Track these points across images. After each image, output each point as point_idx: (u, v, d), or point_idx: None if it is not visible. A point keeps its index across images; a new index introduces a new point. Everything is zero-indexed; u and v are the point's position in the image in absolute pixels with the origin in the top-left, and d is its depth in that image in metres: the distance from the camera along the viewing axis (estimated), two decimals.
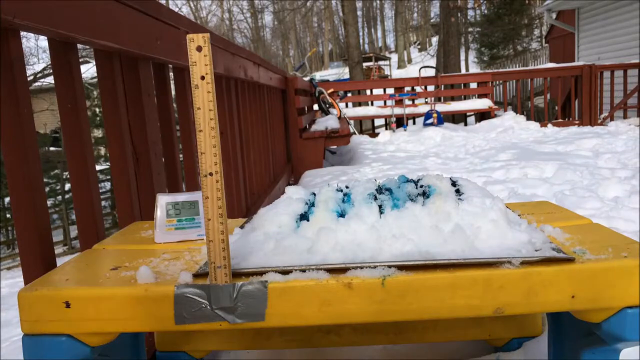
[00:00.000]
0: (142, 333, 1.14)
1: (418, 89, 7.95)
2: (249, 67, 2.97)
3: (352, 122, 7.35)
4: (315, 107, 6.99)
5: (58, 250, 10.49)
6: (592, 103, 7.52)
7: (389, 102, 8.29)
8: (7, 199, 11.98)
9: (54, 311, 0.84)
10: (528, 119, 7.57)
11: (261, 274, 0.87)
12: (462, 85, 8.57)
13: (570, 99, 8.34)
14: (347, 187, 1.11)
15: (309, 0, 27.39)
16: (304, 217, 0.99)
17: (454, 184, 1.09)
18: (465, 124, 8.15)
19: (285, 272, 0.86)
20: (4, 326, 2.43)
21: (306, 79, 6.95)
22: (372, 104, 8.34)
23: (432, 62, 19.82)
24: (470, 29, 25.64)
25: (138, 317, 0.85)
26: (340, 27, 40.13)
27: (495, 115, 7.70)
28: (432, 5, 34.45)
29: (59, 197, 13.15)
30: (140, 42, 1.43)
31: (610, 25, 10.24)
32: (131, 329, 0.86)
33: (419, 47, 43.14)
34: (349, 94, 8.32)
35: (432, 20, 35.40)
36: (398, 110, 7.80)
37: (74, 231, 11.92)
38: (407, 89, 8.01)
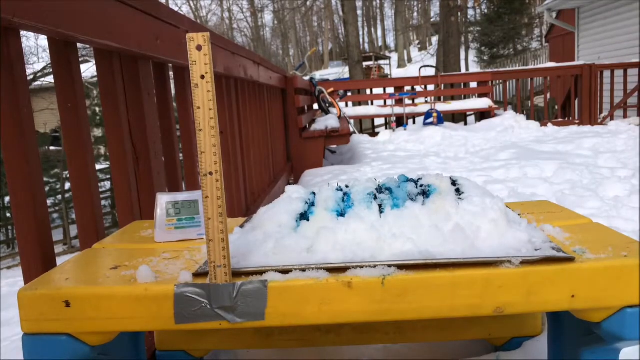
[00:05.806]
0: (142, 332, 1.14)
1: (418, 88, 7.95)
2: (248, 66, 2.96)
3: (352, 121, 7.35)
4: (315, 106, 6.99)
5: (58, 249, 10.49)
6: (592, 102, 7.52)
7: (389, 102, 8.29)
8: (7, 199, 11.98)
9: (54, 310, 0.84)
10: (528, 118, 7.57)
11: (261, 273, 0.87)
12: (462, 84, 8.57)
13: (570, 99, 8.32)
14: (347, 187, 1.11)
15: (308, 0, 27.35)
16: (303, 216, 0.99)
17: (454, 183, 1.09)
18: (465, 124, 8.14)
19: (285, 272, 0.86)
20: (4, 325, 2.43)
21: (306, 78, 6.95)
22: (372, 104, 8.34)
23: (432, 61, 19.82)
24: (470, 29, 25.66)
25: (138, 317, 0.85)
26: (340, 26, 40.10)
27: (495, 115, 7.70)
28: (432, 5, 34.48)
29: (59, 197, 13.15)
30: (140, 41, 1.43)
31: (610, 25, 10.24)
32: (131, 328, 0.87)
33: (419, 46, 43.12)
34: (349, 94, 8.31)
35: (432, 20, 35.42)
36: (398, 110, 7.79)
37: (74, 230, 11.92)
38: (407, 88, 8.00)
